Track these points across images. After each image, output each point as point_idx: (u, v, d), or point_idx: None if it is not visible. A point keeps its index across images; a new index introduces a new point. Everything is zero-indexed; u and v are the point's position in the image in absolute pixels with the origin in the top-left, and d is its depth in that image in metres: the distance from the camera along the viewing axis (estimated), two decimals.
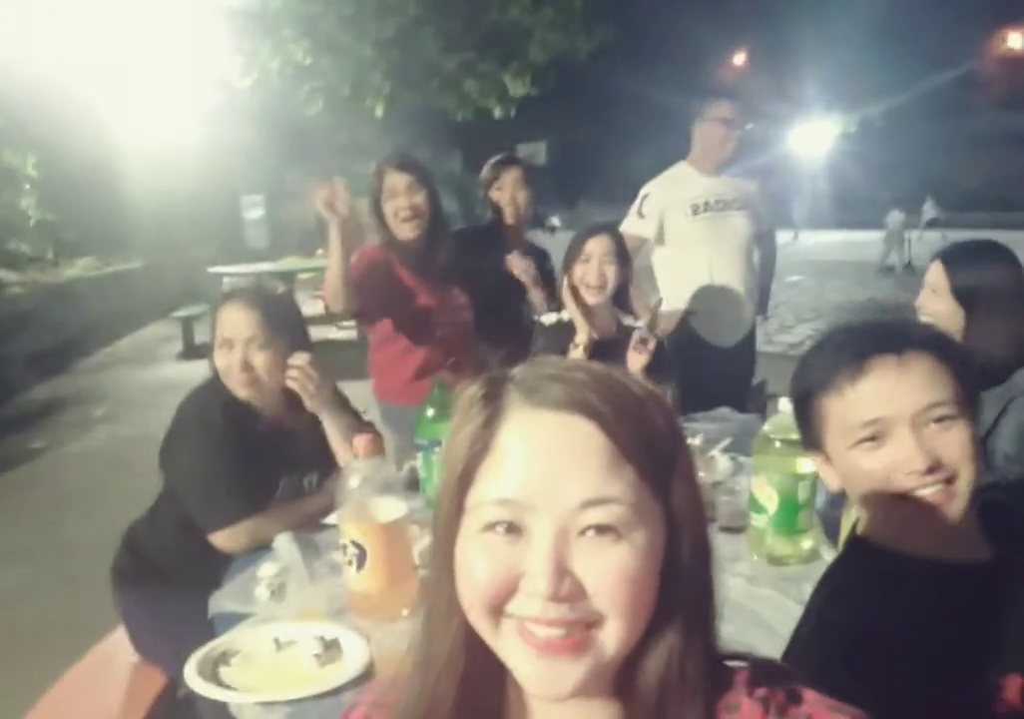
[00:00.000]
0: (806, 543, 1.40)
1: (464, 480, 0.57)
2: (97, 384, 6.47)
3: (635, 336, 2.07)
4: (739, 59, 29.83)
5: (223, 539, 1.56)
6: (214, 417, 1.61)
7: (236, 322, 1.62)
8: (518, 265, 2.53)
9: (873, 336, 0.87)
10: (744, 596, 1.28)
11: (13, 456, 4.59)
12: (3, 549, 3.31)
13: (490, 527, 0.55)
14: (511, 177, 2.60)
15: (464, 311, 2.42)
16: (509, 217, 2.62)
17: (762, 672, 0.58)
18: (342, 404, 1.78)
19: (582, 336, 2.12)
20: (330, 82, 7.50)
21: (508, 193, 2.59)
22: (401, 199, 2.20)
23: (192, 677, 1.14)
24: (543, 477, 0.54)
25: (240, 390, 1.63)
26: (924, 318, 1.74)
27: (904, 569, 0.86)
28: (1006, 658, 0.80)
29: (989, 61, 27.74)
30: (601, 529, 0.53)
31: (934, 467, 0.82)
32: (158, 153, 9.88)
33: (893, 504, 0.85)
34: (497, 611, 0.54)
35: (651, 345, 2.03)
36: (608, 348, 2.11)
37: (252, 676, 1.16)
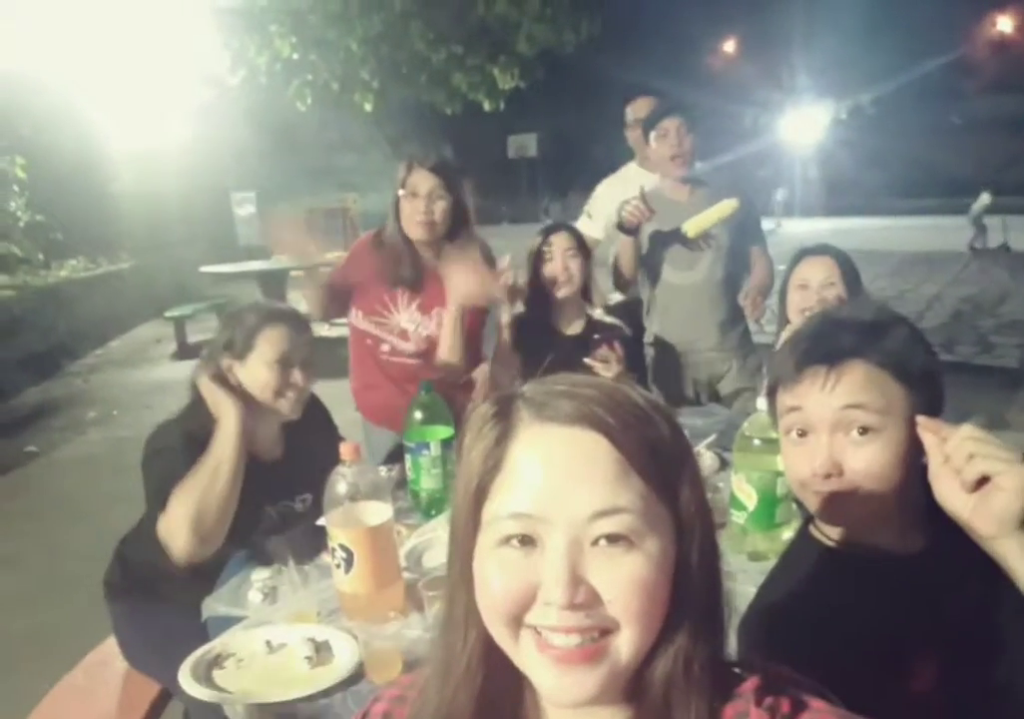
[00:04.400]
0: (785, 534, 1.42)
1: (479, 496, 0.59)
2: (89, 386, 6.45)
3: (596, 354, 2.03)
4: (729, 47, 29.76)
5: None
6: (196, 450, 1.52)
7: (296, 342, 1.62)
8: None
9: (814, 343, 0.89)
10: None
11: (5, 461, 4.56)
12: None
13: (505, 541, 0.56)
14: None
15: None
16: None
17: (771, 681, 0.59)
18: None
19: (506, 316, 2.13)
20: (318, 77, 7.48)
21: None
22: (420, 202, 2.03)
23: (186, 679, 1.17)
24: (555, 490, 0.55)
25: (288, 408, 1.62)
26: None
27: (828, 558, 0.91)
28: (920, 647, 0.82)
29: (979, 45, 27.71)
30: (613, 538, 0.55)
31: (833, 474, 0.85)
32: (146, 152, 9.84)
33: (806, 497, 0.91)
34: (516, 622, 0.56)
35: (614, 367, 2.00)
36: (581, 342, 2.16)
37: (245, 678, 1.18)
